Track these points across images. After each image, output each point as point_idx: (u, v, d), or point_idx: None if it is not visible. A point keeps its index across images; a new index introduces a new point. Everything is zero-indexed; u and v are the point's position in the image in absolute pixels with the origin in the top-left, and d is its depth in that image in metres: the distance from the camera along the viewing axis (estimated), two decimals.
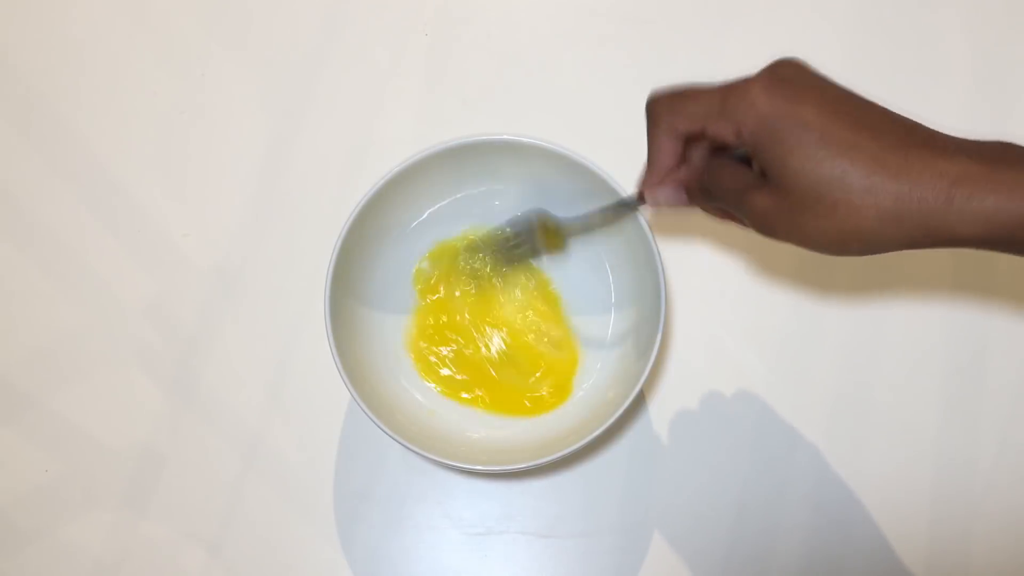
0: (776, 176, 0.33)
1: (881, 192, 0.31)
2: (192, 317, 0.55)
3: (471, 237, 0.52)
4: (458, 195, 0.51)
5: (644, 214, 0.45)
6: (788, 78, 0.34)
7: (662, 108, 0.37)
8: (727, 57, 0.59)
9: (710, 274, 0.55)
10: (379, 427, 0.43)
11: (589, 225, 0.47)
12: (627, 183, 0.45)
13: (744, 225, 0.39)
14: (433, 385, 0.51)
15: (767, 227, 0.35)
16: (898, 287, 0.55)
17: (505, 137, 0.46)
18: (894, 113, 0.34)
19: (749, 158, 0.37)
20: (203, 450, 0.53)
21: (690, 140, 0.38)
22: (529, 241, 0.50)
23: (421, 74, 0.59)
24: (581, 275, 0.52)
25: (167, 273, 0.56)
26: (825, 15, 0.60)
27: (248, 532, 0.51)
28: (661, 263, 0.45)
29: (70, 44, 0.60)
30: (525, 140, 0.46)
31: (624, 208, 0.44)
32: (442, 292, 0.52)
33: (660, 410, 0.53)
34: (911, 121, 0.33)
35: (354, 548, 0.51)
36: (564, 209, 0.50)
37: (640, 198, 0.41)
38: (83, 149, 0.58)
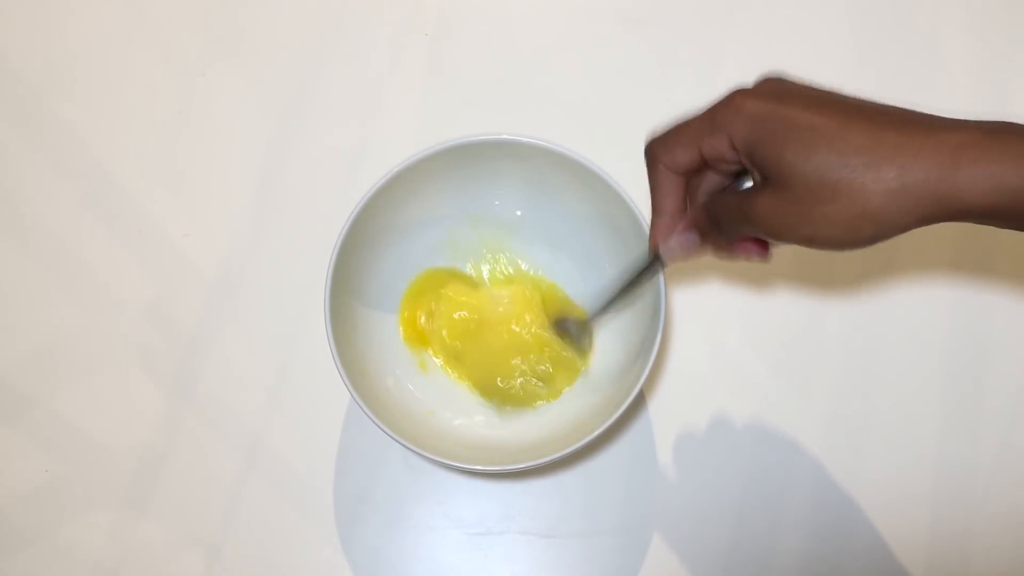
0: (774, 174, 0.33)
1: (883, 167, 0.31)
2: (192, 317, 0.55)
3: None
4: (458, 195, 0.51)
5: (656, 257, 0.44)
6: (771, 85, 0.34)
7: (657, 146, 0.37)
8: (727, 56, 0.59)
9: (710, 274, 0.55)
10: (379, 427, 0.43)
11: (615, 304, 0.47)
12: (627, 183, 0.45)
13: (755, 253, 0.39)
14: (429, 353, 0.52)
15: (776, 228, 0.34)
16: (898, 289, 0.55)
17: (505, 137, 0.46)
18: (884, 104, 0.33)
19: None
20: (203, 450, 0.53)
21: (690, 176, 0.38)
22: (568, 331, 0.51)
23: (421, 74, 0.59)
24: (581, 276, 0.52)
25: (167, 273, 0.56)
26: (824, 13, 0.60)
27: (248, 533, 0.51)
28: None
29: (70, 44, 0.60)
30: (525, 140, 0.46)
31: (644, 274, 0.43)
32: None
33: (660, 410, 0.53)
34: (901, 107, 0.33)
35: (354, 549, 0.51)
36: (562, 208, 0.50)
37: (655, 255, 0.41)
38: (83, 149, 0.58)
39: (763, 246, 0.38)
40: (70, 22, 0.61)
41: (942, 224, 0.31)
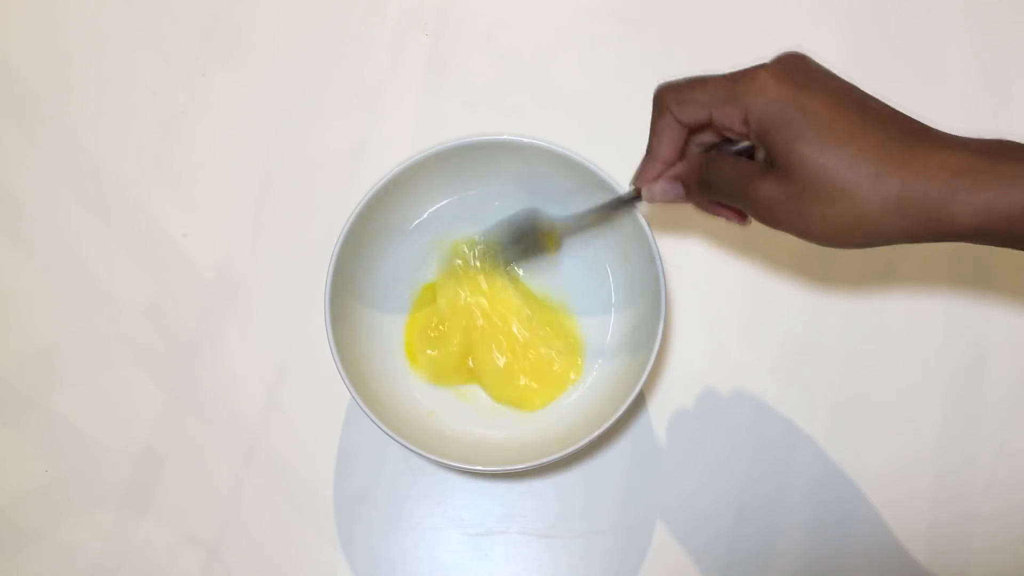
0: (782, 162, 0.33)
1: (888, 181, 0.31)
2: (192, 317, 0.55)
3: (468, 240, 0.52)
4: (458, 195, 0.51)
5: (643, 212, 0.45)
6: (796, 68, 0.34)
7: (669, 96, 0.37)
8: (727, 57, 0.59)
9: (710, 274, 0.55)
10: (379, 427, 0.43)
11: (586, 224, 0.47)
12: (627, 182, 0.45)
13: (736, 218, 0.39)
14: (423, 373, 0.51)
15: (770, 215, 0.35)
16: (898, 287, 0.55)
17: (505, 137, 0.46)
18: (894, 108, 0.34)
19: (749, 153, 0.37)
20: (203, 450, 0.53)
21: (693, 132, 0.38)
22: (527, 242, 0.50)
23: (421, 74, 0.59)
24: (581, 276, 0.52)
25: (167, 273, 0.56)
26: (826, 15, 0.60)
27: (248, 532, 0.51)
28: (661, 263, 0.45)
29: (70, 43, 0.60)
30: (525, 140, 0.46)
31: (621, 205, 0.44)
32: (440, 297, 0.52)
33: (660, 410, 0.53)
34: (910, 117, 0.34)
35: (354, 548, 0.51)
36: (562, 207, 0.50)
37: (636, 193, 0.41)
38: (83, 149, 0.58)
39: (743, 213, 0.38)
40: (70, 22, 0.61)
41: None
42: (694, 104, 0.36)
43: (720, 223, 0.41)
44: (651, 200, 0.40)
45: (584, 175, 0.47)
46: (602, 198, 0.46)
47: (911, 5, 0.60)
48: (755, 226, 0.39)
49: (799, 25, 0.60)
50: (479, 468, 0.44)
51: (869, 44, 0.60)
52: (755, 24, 0.60)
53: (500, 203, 0.52)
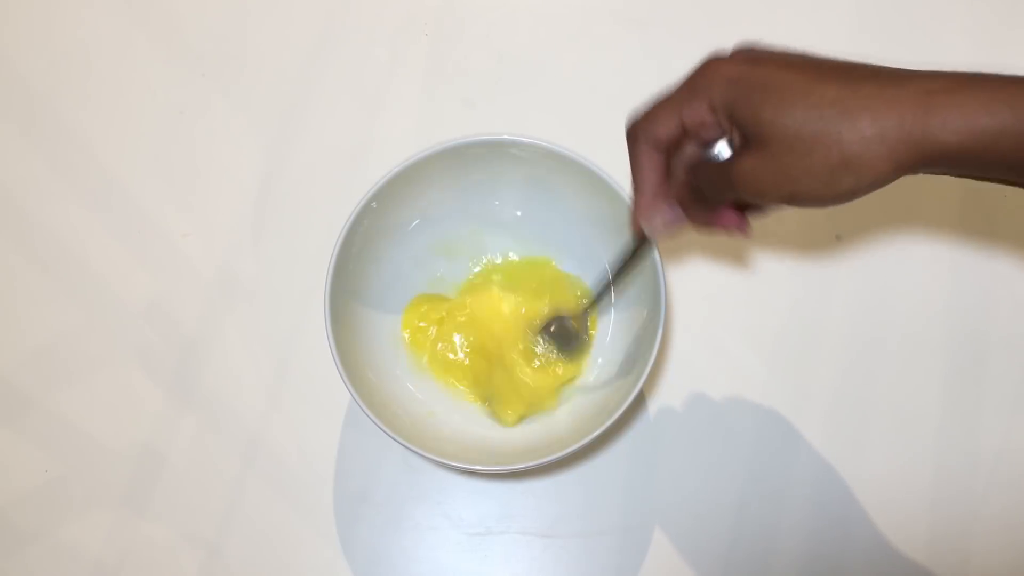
0: (754, 133, 0.34)
1: (858, 116, 0.31)
2: (192, 317, 0.55)
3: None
4: (458, 195, 0.51)
5: (657, 251, 0.45)
6: (746, 51, 0.35)
7: (639, 124, 0.38)
8: None
9: (710, 274, 0.56)
10: (379, 427, 0.43)
11: (607, 291, 0.48)
12: (626, 182, 0.45)
13: (735, 225, 0.39)
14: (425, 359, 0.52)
15: (758, 187, 0.34)
16: (898, 285, 0.55)
17: (505, 137, 0.46)
18: (856, 62, 0.34)
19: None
20: (203, 450, 0.53)
21: (670, 151, 0.38)
22: (566, 337, 0.51)
23: (421, 74, 0.60)
24: (582, 276, 0.52)
25: (167, 273, 0.56)
26: (824, 16, 0.60)
27: (248, 532, 0.51)
28: (661, 263, 0.45)
29: (71, 43, 0.60)
30: (525, 140, 0.46)
31: (634, 255, 0.44)
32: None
33: (660, 410, 0.53)
34: (875, 64, 0.34)
35: (354, 548, 0.51)
36: (563, 210, 0.50)
37: (640, 235, 0.41)
38: (84, 149, 0.58)
39: (743, 219, 0.38)
40: (71, 22, 0.61)
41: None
42: (662, 116, 0.36)
43: None
44: (654, 233, 0.40)
45: (583, 174, 0.47)
46: (603, 198, 0.46)
47: (909, 7, 0.60)
48: (755, 224, 0.39)
49: (799, 24, 0.60)
50: (479, 468, 0.44)
51: (866, 48, 0.60)
52: (755, 23, 0.60)
53: (500, 203, 0.52)
